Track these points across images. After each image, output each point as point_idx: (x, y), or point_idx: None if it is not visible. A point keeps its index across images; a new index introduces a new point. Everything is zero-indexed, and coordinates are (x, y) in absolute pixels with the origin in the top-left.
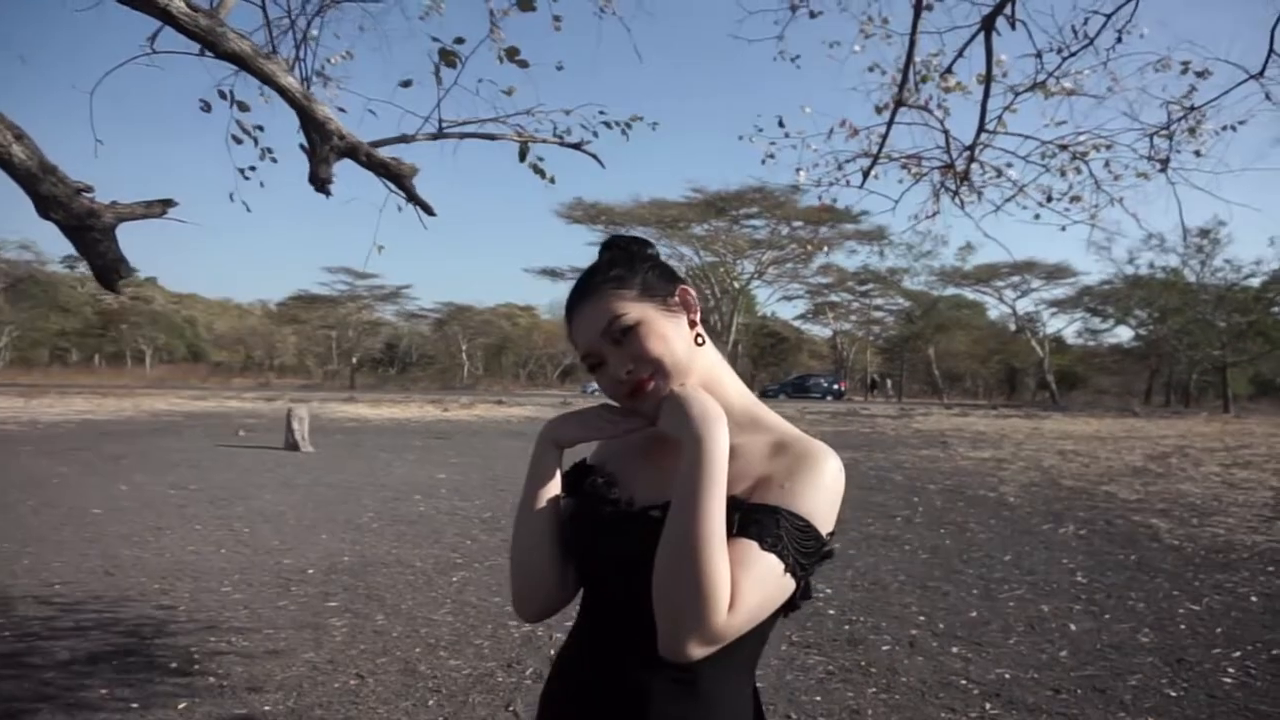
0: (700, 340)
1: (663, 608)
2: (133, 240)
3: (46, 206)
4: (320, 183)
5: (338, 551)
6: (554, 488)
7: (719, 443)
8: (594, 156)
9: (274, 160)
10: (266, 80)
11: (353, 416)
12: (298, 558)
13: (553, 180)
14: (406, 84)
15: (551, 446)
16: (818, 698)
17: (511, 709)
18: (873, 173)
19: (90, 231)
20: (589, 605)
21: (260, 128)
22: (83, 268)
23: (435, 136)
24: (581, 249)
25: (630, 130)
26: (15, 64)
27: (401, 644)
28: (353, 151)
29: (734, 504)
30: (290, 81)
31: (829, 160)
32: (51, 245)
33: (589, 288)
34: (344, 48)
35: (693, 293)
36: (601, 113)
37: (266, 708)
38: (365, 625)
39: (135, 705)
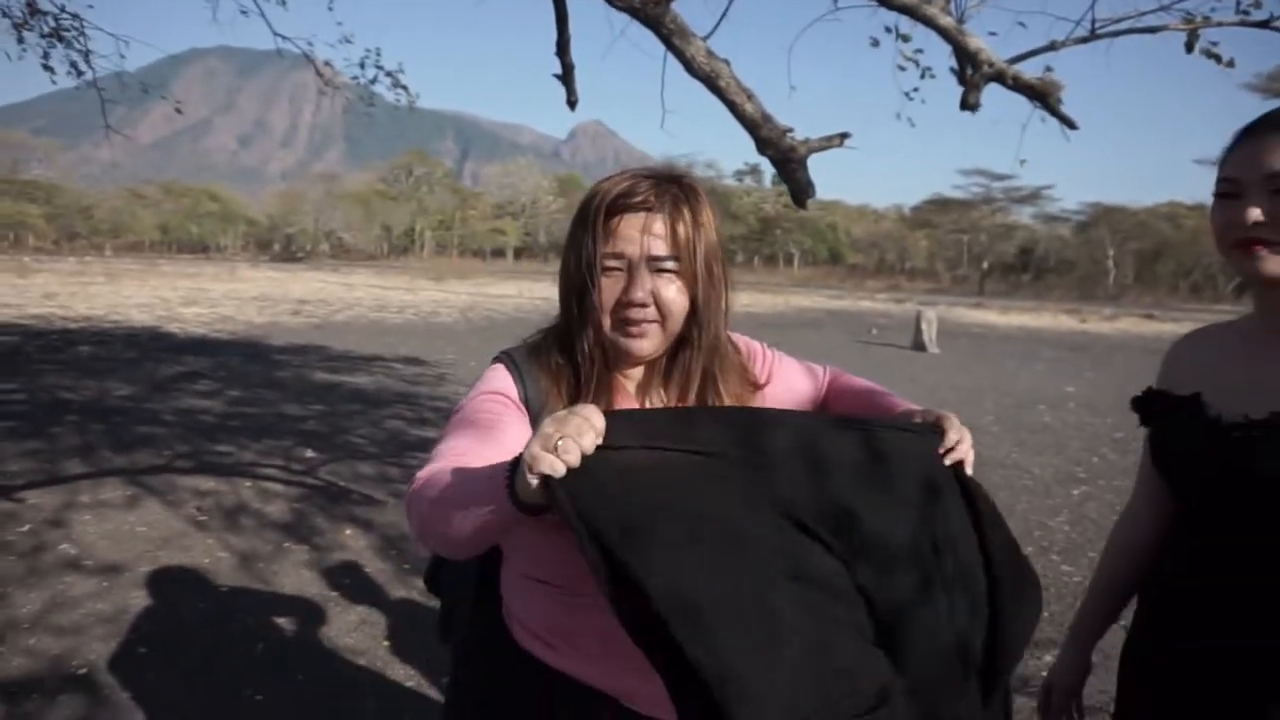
0: None
1: None
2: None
3: (763, 145)
4: (970, 106)
5: None
6: None
7: None
8: None
9: (933, 77)
10: (927, 22)
11: (979, 322)
12: None
13: (1231, 64)
14: None
15: None
16: None
17: (1124, 625)
18: None
19: (790, 163)
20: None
21: (920, 50)
22: (749, 180)
23: (1085, 39)
24: None
25: None
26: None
27: None
28: (999, 76)
29: None
30: (948, 22)
31: None
32: (727, 162)
33: None
34: None
35: None
36: None
37: None
38: None
39: None
